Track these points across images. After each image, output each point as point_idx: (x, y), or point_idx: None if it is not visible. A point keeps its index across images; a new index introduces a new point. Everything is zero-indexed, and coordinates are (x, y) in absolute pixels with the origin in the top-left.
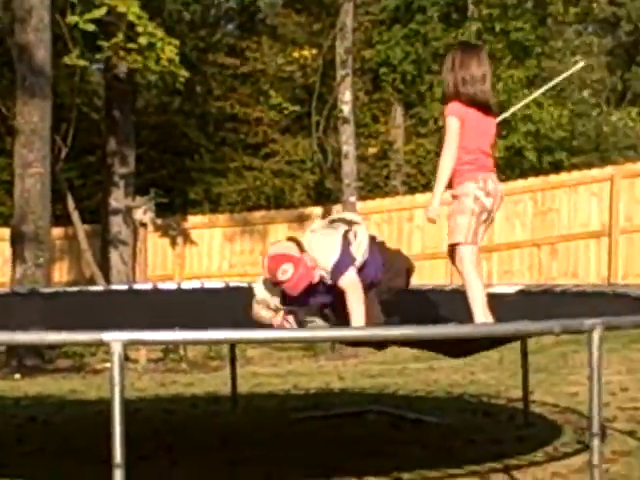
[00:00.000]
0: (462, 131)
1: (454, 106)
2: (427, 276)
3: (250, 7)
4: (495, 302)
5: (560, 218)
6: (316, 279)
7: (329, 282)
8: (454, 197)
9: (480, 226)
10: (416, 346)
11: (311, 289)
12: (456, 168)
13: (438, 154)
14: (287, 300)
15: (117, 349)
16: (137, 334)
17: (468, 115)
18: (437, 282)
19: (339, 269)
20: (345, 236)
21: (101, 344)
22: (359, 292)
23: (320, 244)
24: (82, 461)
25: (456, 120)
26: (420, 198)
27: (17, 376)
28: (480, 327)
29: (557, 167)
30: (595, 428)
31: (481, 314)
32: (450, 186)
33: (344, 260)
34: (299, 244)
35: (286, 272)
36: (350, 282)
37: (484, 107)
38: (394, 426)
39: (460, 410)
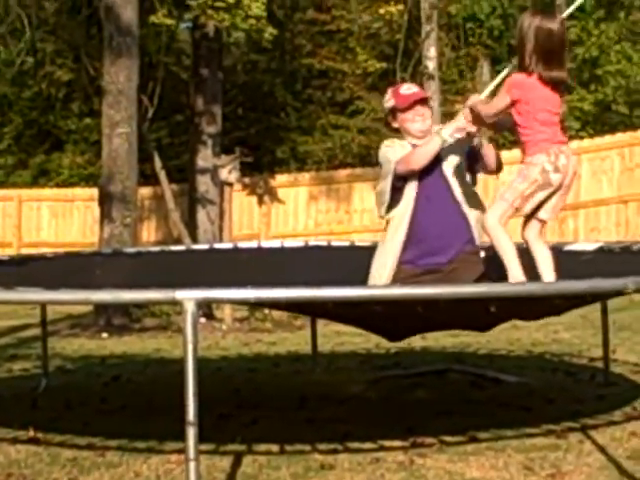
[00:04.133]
0: (530, 106)
1: (518, 82)
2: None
3: None
4: (574, 259)
5: None
6: None
7: None
8: (523, 163)
9: (534, 197)
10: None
11: None
12: (530, 139)
13: None
14: None
15: (190, 307)
16: (209, 292)
17: (535, 92)
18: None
19: None
20: None
21: (174, 302)
22: None
23: None
24: (163, 419)
25: (509, 99)
26: (506, 155)
27: (104, 335)
28: (552, 285)
29: None
30: None
31: (517, 269)
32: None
33: None
34: None
35: None
36: None
37: (558, 84)
38: (474, 385)
39: (541, 369)
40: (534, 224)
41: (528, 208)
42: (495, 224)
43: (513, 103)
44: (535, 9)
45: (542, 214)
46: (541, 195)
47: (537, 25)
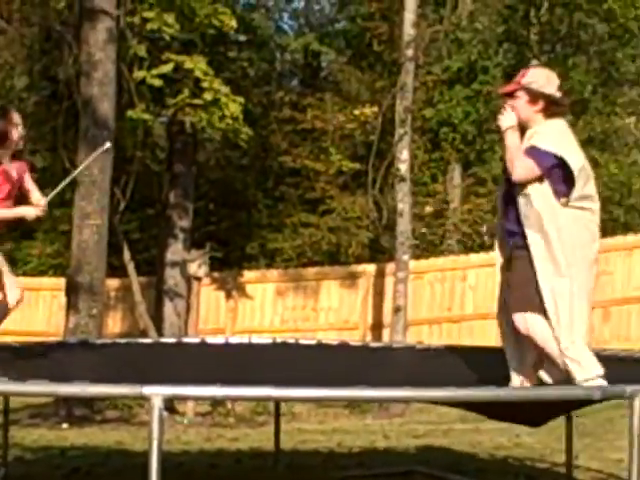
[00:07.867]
0: None
1: None
2: (478, 337)
3: (313, 63)
4: None
5: (614, 281)
6: None
7: None
8: None
9: None
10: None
11: None
12: None
13: (494, 214)
14: None
15: (157, 403)
16: (177, 389)
17: None
18: (488, 343)
19: None
20: None
21: (142, 398)
22: None
23: None
24: None
25: None
26: (474, 258)
27: (65, 426)
28: (525, 392)
29: (613, 225)
30: None
31: None
32: None
33: None
34: None
35: None
36: None
37: None
38: None
39: (503, 473)
40: None
41: None
42: None
43: None
44: None
45: None
46: None
47: None
